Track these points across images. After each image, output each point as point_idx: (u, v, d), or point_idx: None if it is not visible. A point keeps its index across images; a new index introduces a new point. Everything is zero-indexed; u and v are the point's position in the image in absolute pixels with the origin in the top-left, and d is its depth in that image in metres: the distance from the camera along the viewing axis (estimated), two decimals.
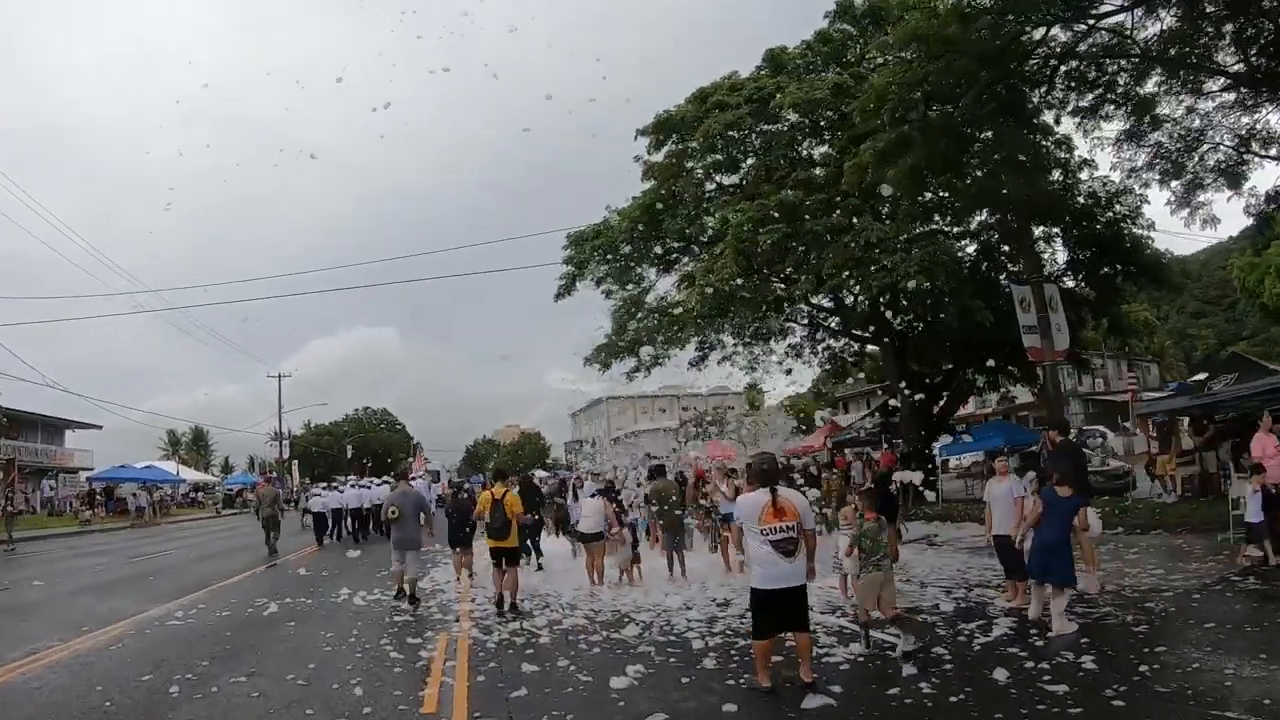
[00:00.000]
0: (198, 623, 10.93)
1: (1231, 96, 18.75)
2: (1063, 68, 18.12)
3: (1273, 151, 19.16)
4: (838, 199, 17.83)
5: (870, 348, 27.72)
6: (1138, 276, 21.69)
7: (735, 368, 27.56)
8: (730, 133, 19.96)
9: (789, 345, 27.54)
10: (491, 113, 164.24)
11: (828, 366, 30.02)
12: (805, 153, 20.56)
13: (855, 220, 17.24)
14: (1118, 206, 21.20)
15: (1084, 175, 21.08)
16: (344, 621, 10.59)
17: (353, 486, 25.81)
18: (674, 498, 14.47)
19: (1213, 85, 18.66)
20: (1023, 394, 28.59)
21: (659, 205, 20.72)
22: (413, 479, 28.25)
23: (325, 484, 31.89)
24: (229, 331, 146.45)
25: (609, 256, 22.70)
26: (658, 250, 22.84)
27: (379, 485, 26.08)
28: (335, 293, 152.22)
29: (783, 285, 20.57)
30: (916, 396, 23.41)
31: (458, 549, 14.25)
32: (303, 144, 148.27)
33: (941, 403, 24.32)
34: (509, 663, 8.09)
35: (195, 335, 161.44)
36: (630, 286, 24.86)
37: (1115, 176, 20.42)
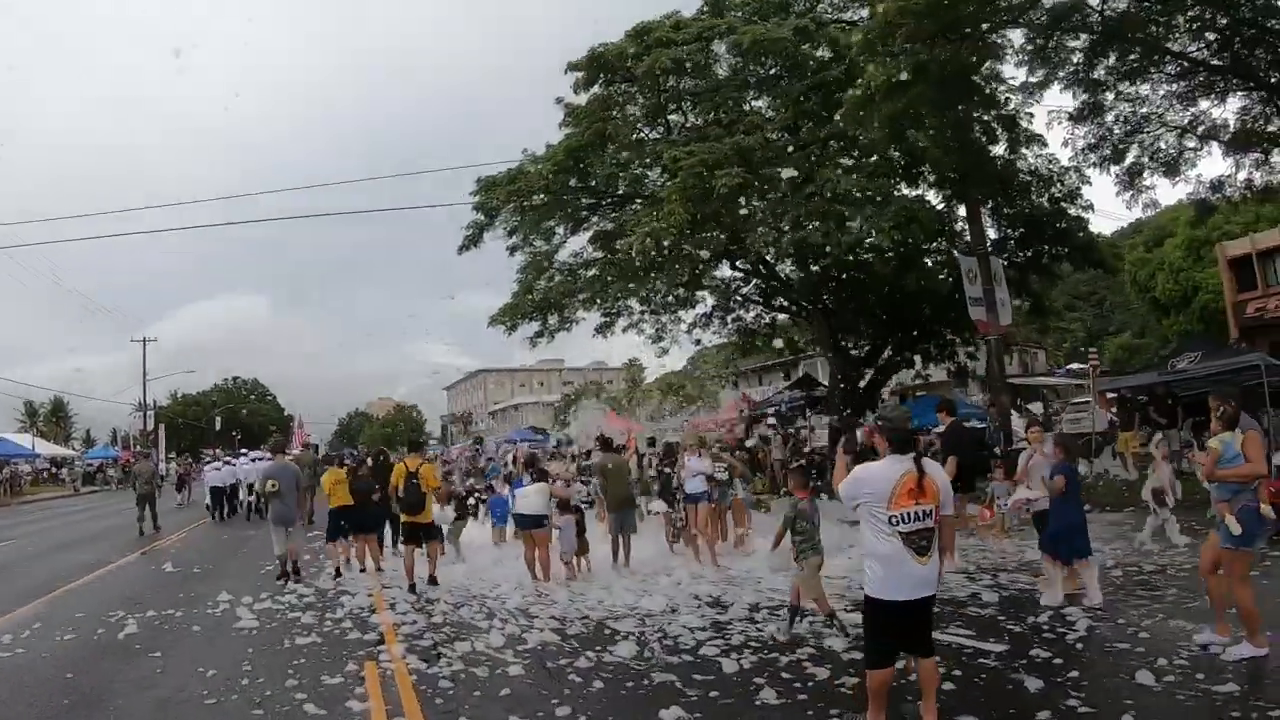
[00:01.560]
0: (28, 654, 7.60)
1: (1174, 87, 18.14)
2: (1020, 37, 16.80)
3: (1213, 143, 18.67)
4: (798, 148, 15.78)
5: (781, 317, 26.06)
6: (1072, 257, 20.64)
7: (641, 336, 25.35)
8: (671, 80, 17.46)
9: (699, 315, 25.61)
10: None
11: (734, 339, 28.23)
12: (749, 105, 18.30)
13: (819, 171, 15.18)
14: (1056, 187, 20.04)
15: (1028, 152, 19.74)
16: (229, 647, 7.58)
17: (252, 460, 23.57)
18: (625, 473, 12.07)
19: (1160, 76, 17.86)
20: (937, 373, 27.48)
21: (585, 147, 17.89)
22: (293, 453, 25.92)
23: (211, 458, 30.36)
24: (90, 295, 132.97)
25: (524, 204, 19.75)
26: (581, 201, 20.00)
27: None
28: (207, 258, 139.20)
29: (704, 251, 18.24)
30: (842, 371, 21.84)
31: (360, 534, 11.73)
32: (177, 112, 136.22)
33: (868, 377, 22.78)
34: (482, 713, 5.52)
35: (36, 288, 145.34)
36: (539, 242, 22.10)
37: (1062, 156, 19.38)
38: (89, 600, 10.22)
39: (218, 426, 70.67)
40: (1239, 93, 18.42)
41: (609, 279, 18.57)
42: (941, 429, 12.93)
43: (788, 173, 14.21)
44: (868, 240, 14.44)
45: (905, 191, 18.42)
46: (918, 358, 24.34)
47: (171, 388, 74.81)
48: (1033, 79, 18.16)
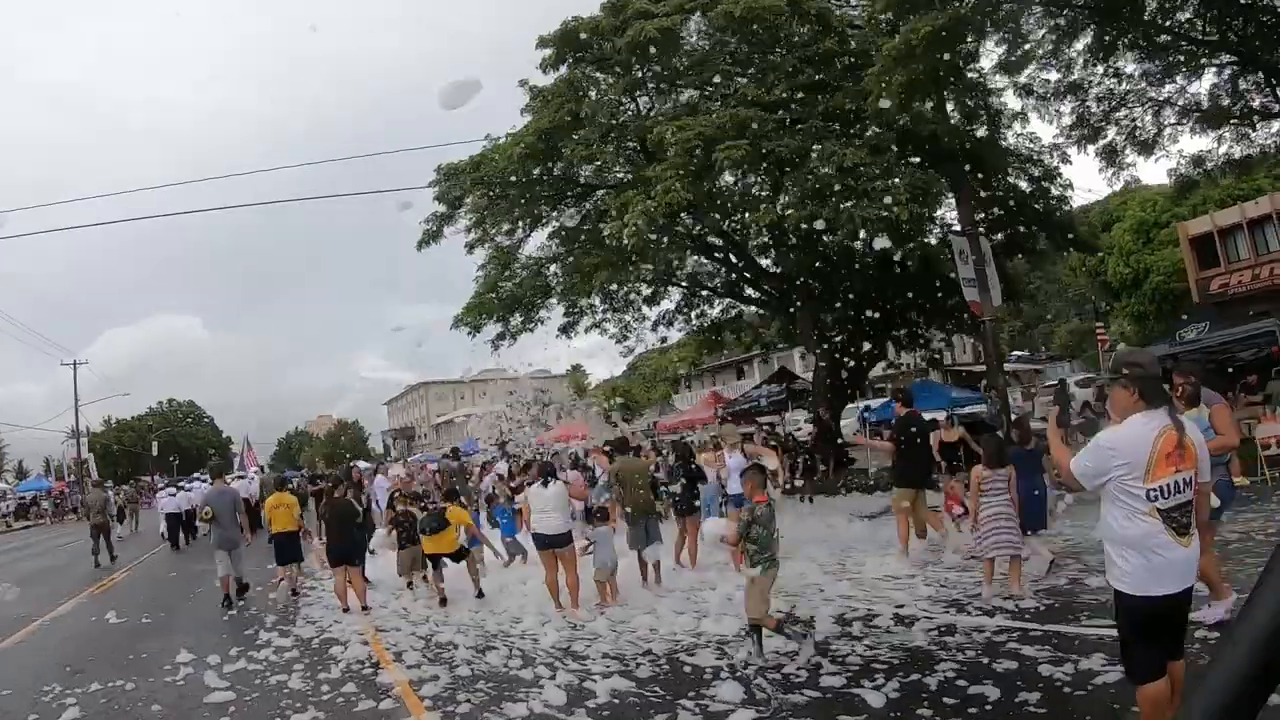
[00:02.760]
0: None
1: (1153, 64, 17.67)
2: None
3: (1189, 119, 18.08)
4: (793, 123, 14.21)
5: (749, 310, 24.65)
6: (1052, 238, 19.67)
7: (604, 335, 23.70)
8: (651, 53, 15.69)
9: (662, 312, 24.07)
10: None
11: (700, 336, 26.78)
12: (736, 82, 16.65)
13: (821, 145, 13.64)
14: (1035, 167, 19.05)
15: (1008, 131, 18.77)
16: None
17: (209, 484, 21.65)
18: (645, 478, 10.25)
19: (1143, 50, 17.17)
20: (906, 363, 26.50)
21: (556, 129, 15.97)
22: (250, 474, 25.23)
23: (166, 484, 29.17)
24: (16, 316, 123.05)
25: (491, 193, 17.76)
26: (543, 193, 18.01)
27: (237, 480, 21.96)
28: (137, 278, 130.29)
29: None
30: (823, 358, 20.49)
31: (341, 565, 9.65)
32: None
33: (850, 367, 21.42)
34: None
35: None
36: (501, 238, 20.13)
37: (1044, 135, 18.64)
38: (17, 670, 7.89)
39: (155, 452, 66.03)
40: (1212, 69, 17.90)
41: (589, 269, 16.66)
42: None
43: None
44: (882, 214, 12.96)
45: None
46: (890, 346, 23.28)
47: (104, 413, 69.71)
48: (1012, 57, 17.43)
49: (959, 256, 16.62)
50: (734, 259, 20.77)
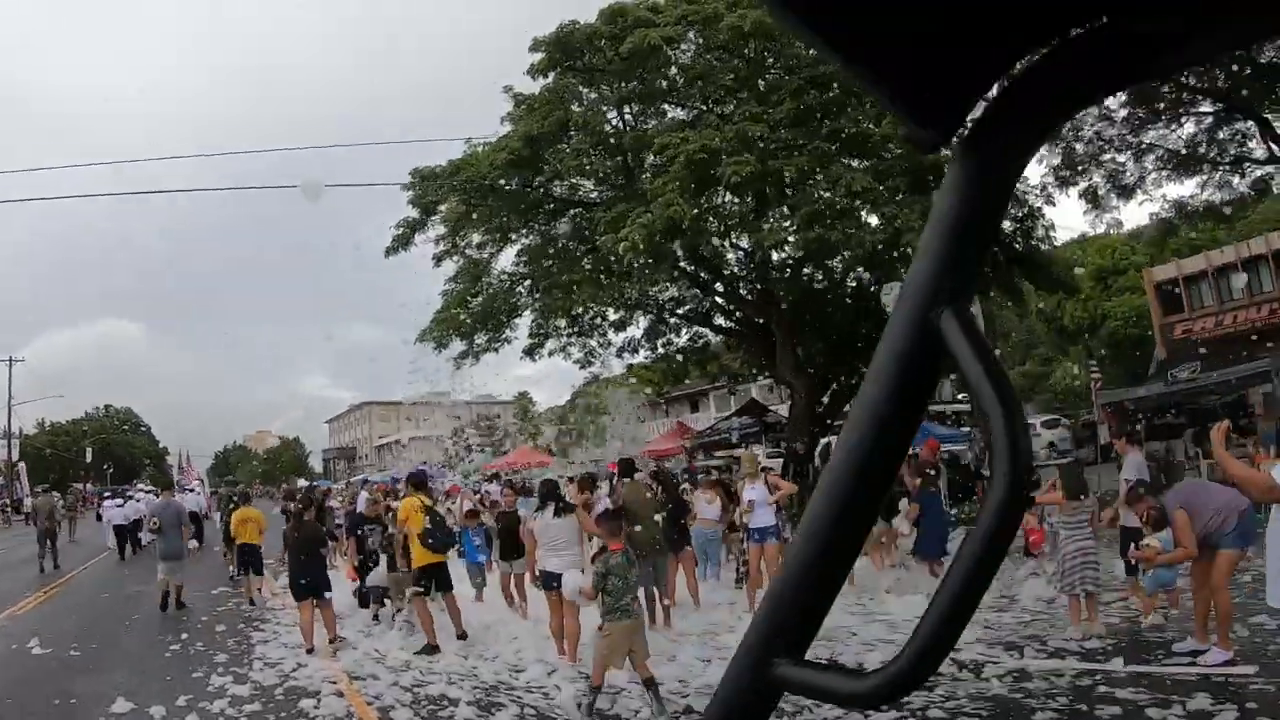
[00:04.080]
0: None
1: (1138, 110, 17.57)
2: None
3: (1169, 166, 18.16)
4: (797, 145, 13.42)
5: (715, 339, 23.79)
6: (1032, 279, 19.25)
7: (568, 360, 22.36)
8: (646, 66, 14.84)
9: (627, 339, 23.03)
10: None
11: (663, 365, 25.80)
12: (736, 100, 15.88)
13: (828, 168, 12.88)
14: (1018, 208, 18.67)
15: None
16: None
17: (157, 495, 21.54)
18: (653, 509, 9.14)
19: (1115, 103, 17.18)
20: None
21: (544, 137, 15.00)
22: (189, 489, 24.68)
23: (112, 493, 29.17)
24: None
25: (469, 201, 16.65)
26: (520, 205, 16.95)
27: (187, 494, 22.16)
28: (79, 281, 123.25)
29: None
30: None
31: (308, 599, 8.33)
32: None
33: (825, 401, 20.64)
34: None
35: None
36: (471, 251, 18.95)
37: (1032, 176, 18.36)
38: None
39: (88, 458, 62.20)
40: (1192, 118, 17.94)
41: (568, 285, 15.60)
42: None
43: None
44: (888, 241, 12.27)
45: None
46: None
47: (38, 416, 65.47)
48: None
49: None
50: (705, 284, 19.94)
